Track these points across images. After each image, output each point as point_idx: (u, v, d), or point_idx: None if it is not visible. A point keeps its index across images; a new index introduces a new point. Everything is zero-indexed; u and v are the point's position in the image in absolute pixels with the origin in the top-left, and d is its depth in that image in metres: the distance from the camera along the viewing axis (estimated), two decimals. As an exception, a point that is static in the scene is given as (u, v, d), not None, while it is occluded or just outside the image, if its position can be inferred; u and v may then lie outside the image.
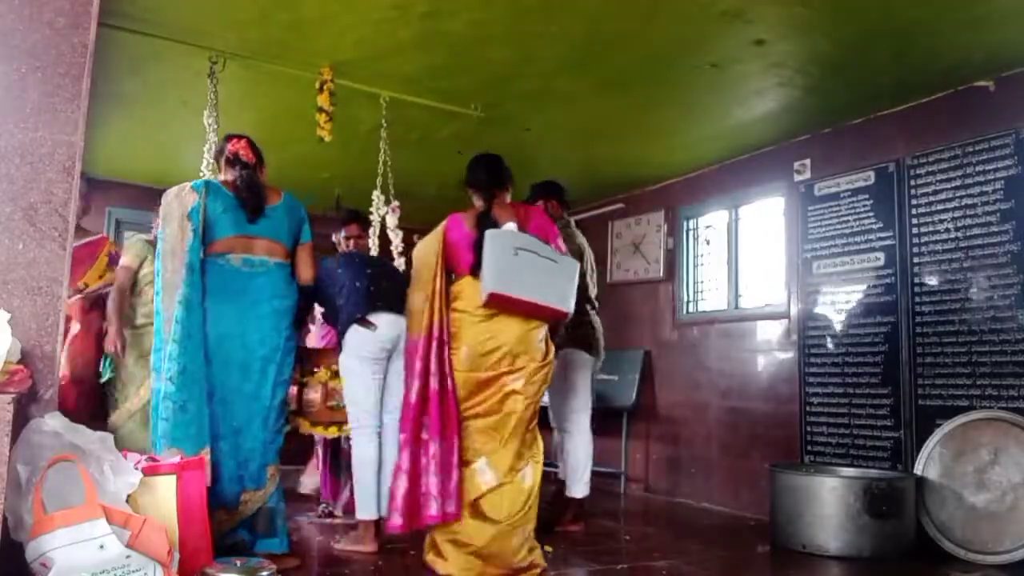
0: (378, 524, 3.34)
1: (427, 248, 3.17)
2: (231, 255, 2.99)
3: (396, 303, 3.41)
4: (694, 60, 3.71)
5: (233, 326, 2.93)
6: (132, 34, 3.44)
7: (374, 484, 3.34)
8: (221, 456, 2.87)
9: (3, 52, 2.17)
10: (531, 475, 3.04)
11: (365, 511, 3.33)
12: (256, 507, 2.95)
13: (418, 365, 3.02)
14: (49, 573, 1.83)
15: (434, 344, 3.02)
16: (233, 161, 3.14)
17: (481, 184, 3.26)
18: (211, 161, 3.79)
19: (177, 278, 2.85)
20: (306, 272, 3.19)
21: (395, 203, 4.39)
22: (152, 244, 3.59)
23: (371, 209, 4.31)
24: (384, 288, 3.51)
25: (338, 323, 3.47)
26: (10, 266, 2.11)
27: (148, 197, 4.70)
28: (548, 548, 3.53)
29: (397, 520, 2.95)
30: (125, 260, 3.62)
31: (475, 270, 3.04)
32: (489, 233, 3.01)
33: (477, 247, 3.03)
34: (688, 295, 5.66)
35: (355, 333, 3.40)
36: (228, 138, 3.21)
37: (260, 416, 2.98)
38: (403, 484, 2.95)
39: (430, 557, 2.99)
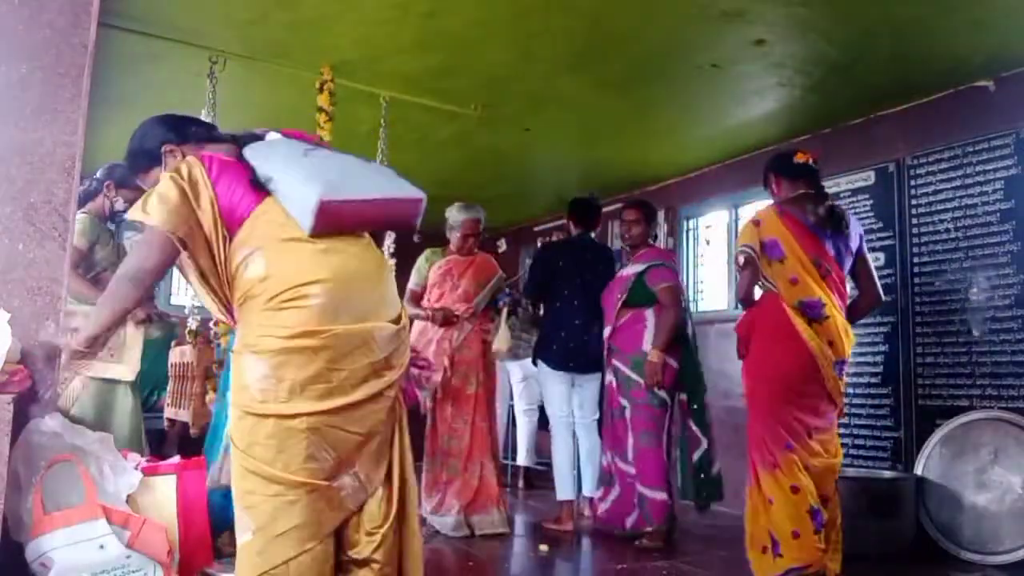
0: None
1: None
2: None
3: None
4: (694, 60, 3.70)
5: None
6: (132, 34, 3.44)
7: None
8: None
9: (3, 52, 2.17)
10: None
11: (565, 493, 3.92)
12: None
13: None
14: (49, 573, 1.83)
15: None
16: None
17: None
18: None
19: None
20: None
21: None
22: (103, 220, 3.20)
23: None
24: None
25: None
26: (10, 266, 2.10)
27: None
28: (544, 548, 3.54)
29: None
30: (76, 243, 2.87)
31: None
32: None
33: None
34: (688, 295, 5.65)
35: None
36: None
37: None
38: None
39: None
